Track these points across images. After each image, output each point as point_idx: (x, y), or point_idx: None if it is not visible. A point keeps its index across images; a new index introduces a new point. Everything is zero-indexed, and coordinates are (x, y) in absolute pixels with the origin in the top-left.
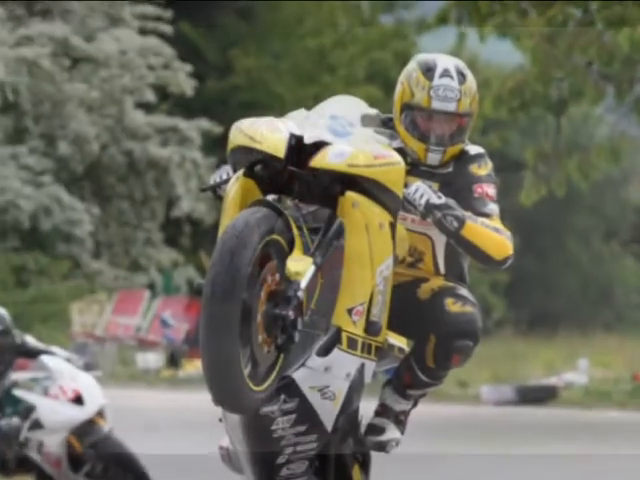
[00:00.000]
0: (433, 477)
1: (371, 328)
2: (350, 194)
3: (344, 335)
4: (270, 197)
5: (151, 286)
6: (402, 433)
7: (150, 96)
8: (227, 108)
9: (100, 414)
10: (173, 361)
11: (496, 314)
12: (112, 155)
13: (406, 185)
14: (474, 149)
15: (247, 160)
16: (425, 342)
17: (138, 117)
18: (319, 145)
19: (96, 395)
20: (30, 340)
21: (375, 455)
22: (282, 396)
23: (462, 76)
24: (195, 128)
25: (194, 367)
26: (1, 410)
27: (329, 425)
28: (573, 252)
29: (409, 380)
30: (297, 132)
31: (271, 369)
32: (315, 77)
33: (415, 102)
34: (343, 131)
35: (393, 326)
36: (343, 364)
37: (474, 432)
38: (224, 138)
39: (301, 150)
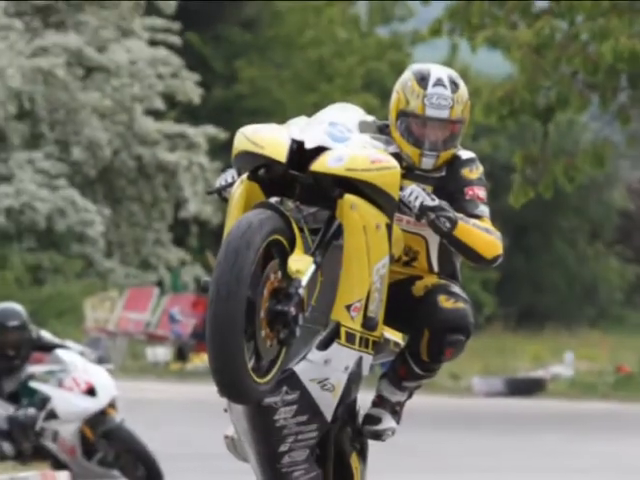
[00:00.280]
0: (427, 464)
1: (368, 323)
2: (348, 197)
3: (343, 330)
4: (273, 199)
5: (160, 284)
6: (398, 423)
7: (159, 104)
8: (232, 115)
9: (112, 405)
10: (181, 355)
11: (487, 310)
12: (123, 160)
13: (401, 188)
14: (466, 154)
15: (251, 164)
16: (419, 337)
17: (148, 124)
18: (319, 150)
19: (108, 387)
20: (46, 335)
21: (372, 443)
22: (284, 388)
23: (454, 85)
24: (202, 134)
25: (201, 360)
26: (18, 401)
27: (329, 415)
28: (559, 252)
29: (404, 373)
30: (298, 138)
31: (274, 362)
32: (315, 86)
33: (410, 109)
34: (341, 137)
35: (389, 321)
36: (342, 357)
37: (466, 422)
38: (229, 144)
39: (302, 155)
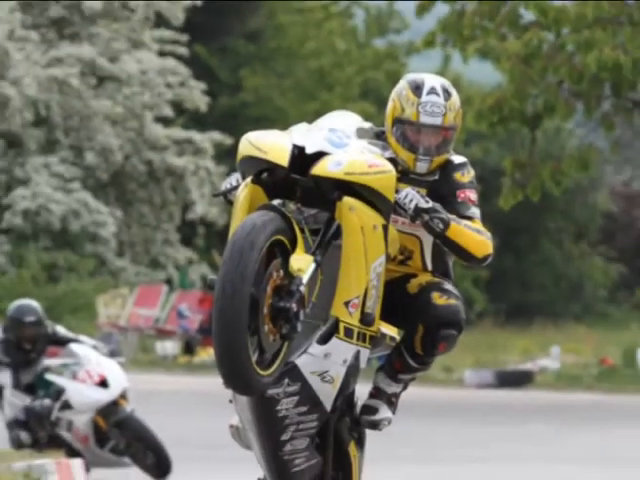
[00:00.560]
0: (421, 452)
1: (366, 319)
2: (347, 199)
3: (341, 325)
4: (275, 202)
5: (169, 281)
6: (393, 413)
7: (168, 111)
8: (237, 122)
9: (123, 396)
10: (188, 349)
11: (478, 307)
12: (134, 164)
13: (397, 191)
14: (458, 159)
15: (255, 168)
16: (414, 331)
17: (157, 130)
18: (319, 155)
19: (119, 379)
20: (60, 330)
21: (369, 432)
22: (286, 380)
23: (447, 93)
24: (208, 140)
25: (207, 354)
26: (34, 392)
27: (328, 406)
28: (547, 252)
29: (400, 366)
30: (299, 143)
31: (276, 356)
32: (315, 94)
33: (405, 117)
34: (340, 142)
35: (385, 317)
36: (340, 351)
37: (458, 412)
38: (234, 149)
39: (303, 159)
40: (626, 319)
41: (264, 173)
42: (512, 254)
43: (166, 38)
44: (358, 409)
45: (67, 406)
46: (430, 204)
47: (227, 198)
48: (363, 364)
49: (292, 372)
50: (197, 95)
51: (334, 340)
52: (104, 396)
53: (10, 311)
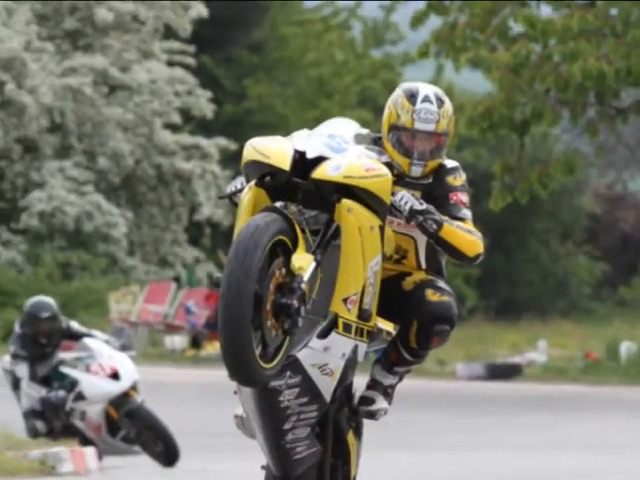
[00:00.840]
0: (416, 441)
1: (363, 315)
2: (345, 201)
3: (340, 321)
4: (278, 204)
5: (177, 279)
6: (389, 404)
7: (176, 118)
8: (241, 128)
9: (134, 388)
10: (195, 343)
11: (469, 303)
12: (144, 168)
13: (393, 194)
14: (450, 163)
15: (258, 172)
16: (409, 326)
17: (166, 136)
18: (319, 159)
19: (130, 371)
20: (74, 325)
21: (367, 422)
22: (288, 372)
23: (440, 101)
24: (214, 145)
25: (213, 348)
26: (50, 384)
27: (328, 397)
28: (534, 251)
29: (395, 359)
30: (300, 148)
31: (278, 349)
32: (315, 102)
33: (400, 123)
34: (339, 148)
35: (382, 313)
36: (339, 345)
37: (450, 403)
38: (239, 154)
39: (304, 164)
40: (609, 315)
41: (267, 177)
42: (501, 253)
43: (174, 49)
44: (356, 400)
45: (81, 397)
46: (424, 206)
47: (232, 200)
48: (361, 357)
49: (294, 365)
50: (204, 103)
51: (333, 335)
52: (116, 388)
53: (27, 307)
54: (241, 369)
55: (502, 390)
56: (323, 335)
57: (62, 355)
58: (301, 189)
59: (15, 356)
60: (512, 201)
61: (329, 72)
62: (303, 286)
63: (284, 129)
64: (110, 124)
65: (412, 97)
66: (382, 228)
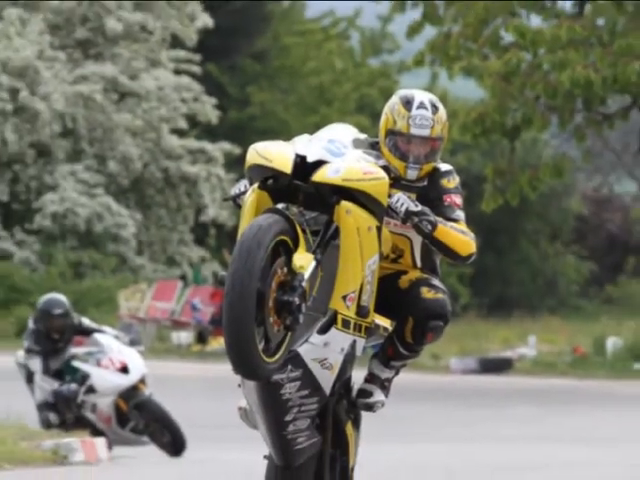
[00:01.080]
0: (411, 432)
1: (361, 311)
2: (344, 203)
3: (339, 317)
4: (279, 205)
5: (183, 278)
6: (386, 396)
7: (183, 124)
8: (245, 133)
9: (142, 381)
10: (201, 338)
11: (462, 300)
12: (152, 172)
13: (390, 196)
14: (444, 166)
15: (261, 175)
16: (405, 323)
17: (173, 141)
18: (319, 163)
19: (139, 365)
20: (86, 321)
21: (364, 414)
22: (289, 366)
23: (435, 108)
24: (219, 150)
25: (218, 343)
26: (62, 378)
27: (327, 390)
28: (524, 251)
29: (392, 353)
30: (301, 153)
31: (280, 344)
32: (316, 109)
33: (397, 129)
34: (338, 152)
35: (379, 310)
36: (338, 340)
37: (445, 396)
38: (242, 158)
39: (305, 167)
40: (596, 312)
41: (269, 180)
42: (493, 253)
43: (181, 58)
44: (354, 393)
45: (91, 390)
46: (419, 208)
47: (236, 202)
48: (359, 352)
49: (295, 359)
50: (209, 109)
51: (333, 330)
52: (125, 381)
53: (40, 304)
54: (245, 363)
55: (494, 383)
56: (323, 331)
57: (74, 350)
58: (302, 191)
59: (29, 351)
60: (503, 203)
61: (329, 80)
62: (304, 284)
63: (286, 134)
64: (119, 129)
65: (408, 104)
66: (379, 229)
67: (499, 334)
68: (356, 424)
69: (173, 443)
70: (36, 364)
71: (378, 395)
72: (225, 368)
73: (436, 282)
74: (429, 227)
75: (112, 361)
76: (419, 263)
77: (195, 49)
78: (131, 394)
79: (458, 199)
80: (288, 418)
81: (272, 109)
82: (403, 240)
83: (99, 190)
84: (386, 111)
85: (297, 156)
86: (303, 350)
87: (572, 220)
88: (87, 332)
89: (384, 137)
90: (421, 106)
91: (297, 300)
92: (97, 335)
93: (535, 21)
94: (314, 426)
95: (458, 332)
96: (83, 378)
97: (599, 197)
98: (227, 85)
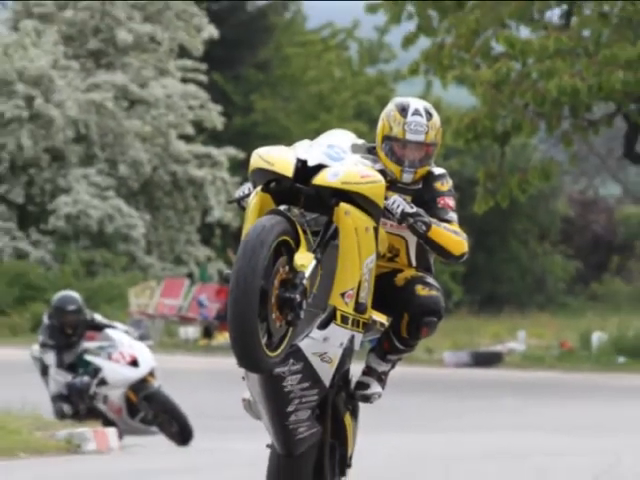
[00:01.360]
0: (407, 423)
1: (359, 308)
2: (343, 205)
3: (338, 313)
4: (281, 207)
5: (190, 276)
6: (383, 388)
7: (189, 130)
8: (249, 139)
9: (151, 374)
10: (207, 333)
11: (455, 297)
12: (160, 175)
13: (386, 198)
14: (438, 170)
15: (264, 179)
16: (400, 318)
17: (180, 146)
18: (319, 167)
19: (148, 359)
20: (97, 317)
21: (362, 405)
22: (291, 360)
23: (429, 114)
24: (224, 154)
25: (224, 338)
26: (75, 371)
27: (327, 382)
28: (514, 250)
29: (388, 347)
30: (302, 157)
31: (282, 339)
32: (316, 115)
33: (393, 134)
34: (337, 156)
35: (376, 306)
36: (338, 335)
37: (438, 388)
38: (246, 162)
39: (305, 171)
40: (582, 308)
41: (272, 183)
42: (484, 252)
43: (188, 67)
44: (353, 385)
45: (103, 382)
46: (414, 209)
47: (240, 204)
48: (357, 346)
49: (296, 353)
50: (214, 116)
51: (332, 326)
52: (135, 374)
53: (54, 301)
54: (248, 357)
55: (485, 376)
56: (323, 326)
57: (86, 344)
58: (303, 194)
59: (44, 345)
60: (494, 205)
61: (328, 88)
62: (305, 282)
63: (287, 140)
64: (130, 135)
65: (403, 111)
66: (376, 229)
67: (490, 329)
68: (354, 415)
69: (181, 433)
70: (50, 358)
71: (375, 387)
72: (230, 362)
73: (430, 280)
74: (423, 228)
75: (123, 355)
76: (414, 262)
77: (201, 59)
78: (141, 386)
79: (451, 201)
80: (290, 409)
81: (274, 116)
82: (399, 240)
83: (110, 193)
84: (383, 118)
85: (298, 160)
86: (304, 344)
87: (559, 221)
88: (99, 327)
89: (381, 142)
90: (416, 113)
91: (298, 297)
92: (108, 330)
93: (524, 32)
94: (314, 417)
95: (451, 327)
96: (95, 371)
97: (585, 199)
98: (232, 93)
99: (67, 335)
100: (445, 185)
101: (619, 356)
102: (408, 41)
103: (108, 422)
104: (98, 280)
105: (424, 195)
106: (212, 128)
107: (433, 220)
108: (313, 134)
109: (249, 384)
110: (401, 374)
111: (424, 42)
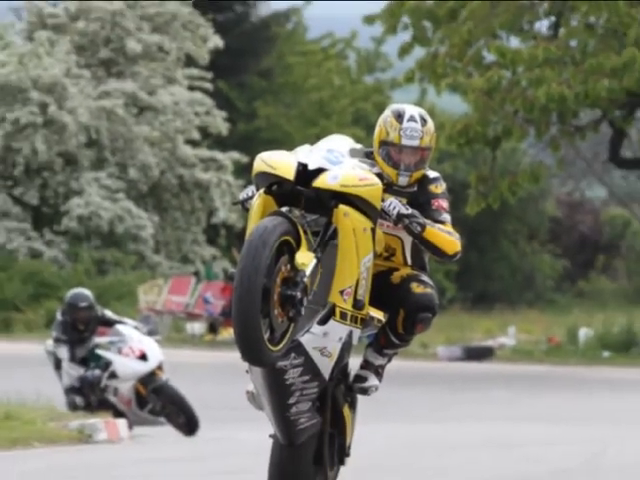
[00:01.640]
0: (403, 414)
1: (357, 304)
2: (342, 207)
3: (337, 310)
4: (283, 209)
5: (196, 274)
6: (380, 381)
7: (196, 135)
8: (252, 144)
9: (159, 367)
10: (213, 329)
11: (448, 294)
12: (168, 178)
13: (383, 200)
14: (432, 173)
15: (267, 182)
16: (396, 315)
17: (187, 150)
18: (319, 171)
19: (156, 353)
20: (108, 313)
21: (360, 398)
22: (292, 354)
23: (424, 120)
24: (229, 158)
25: (228, 333)
26: (87, 364)
27: (326, 375)
28: (504, 249)
29: (385, 342)
30: (303, 161)
31: (284, 334)
32: (316, 121)
33: (389, 139)
34: (336, 160)
35: (373, 303)
36: (337, 331)
37: (432, 381)
38: (250, 166)
39: (306, 174)
40: (569, 305)
41: (274, 186)
42: (476, 251)
43: (194, 75)
44: (351, 378)
45: (114, 376)
46: (410, 211)
47: (244, 206)
48: (355, 341)
49: (297, 348)
50: (219, 122)
51: (331, 322)
52: (144, 367)
53: (67, 298)
54: (252, 351)
55: (477, 369)
56: (323, 322)
57: (98, 339)
58: (304, 196)
59: (57, 340)
60: (485, 206)
61: (328, 95)
62: (305, 280)
63: (289, 144)
64: (139, 140)
65: (399, 117)
66: (373, 230)
67: (482, 325)
68: (352, 406)
69: (187, 424)
70: (63, 352)
71: (372, 380)
72: (234, 356)
73: (425, 278)
74: (418, 228)
75: (132, 349)
76: (409, 261)
77: (207, 68)
78: (149, 379)
79: (445, 203)
80: (291, 401)
81: (277, 122)
82: (395, 240)
83: (120, 195)
84: (380, 124)
85: (299, 164)
86: (305, 339)
87: (547, 222)
88: (110, 323)
89: (378, 147)
90: (411, 119)
91: (299, 294)
92: (118, 326)
93: (514, 42)
94: (314, 408)
95: (445, 323)
96: (106, 365)
97: (572, 201)
98: (236, 100)
99: (79, 331)
100: (439, 188)
101: (604, 351)
102: (404, 51)
103: (118, 413)
104: (109, 278)
105: (419, 197)
106: (217, 133)
107: (428, 221)
108: (313, 139)
109: (252, 377)
110: (397, 368)
111: (419, 52)
